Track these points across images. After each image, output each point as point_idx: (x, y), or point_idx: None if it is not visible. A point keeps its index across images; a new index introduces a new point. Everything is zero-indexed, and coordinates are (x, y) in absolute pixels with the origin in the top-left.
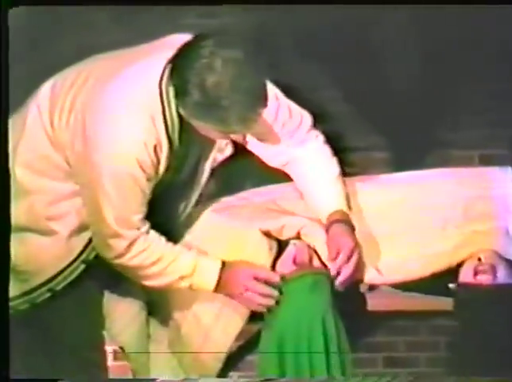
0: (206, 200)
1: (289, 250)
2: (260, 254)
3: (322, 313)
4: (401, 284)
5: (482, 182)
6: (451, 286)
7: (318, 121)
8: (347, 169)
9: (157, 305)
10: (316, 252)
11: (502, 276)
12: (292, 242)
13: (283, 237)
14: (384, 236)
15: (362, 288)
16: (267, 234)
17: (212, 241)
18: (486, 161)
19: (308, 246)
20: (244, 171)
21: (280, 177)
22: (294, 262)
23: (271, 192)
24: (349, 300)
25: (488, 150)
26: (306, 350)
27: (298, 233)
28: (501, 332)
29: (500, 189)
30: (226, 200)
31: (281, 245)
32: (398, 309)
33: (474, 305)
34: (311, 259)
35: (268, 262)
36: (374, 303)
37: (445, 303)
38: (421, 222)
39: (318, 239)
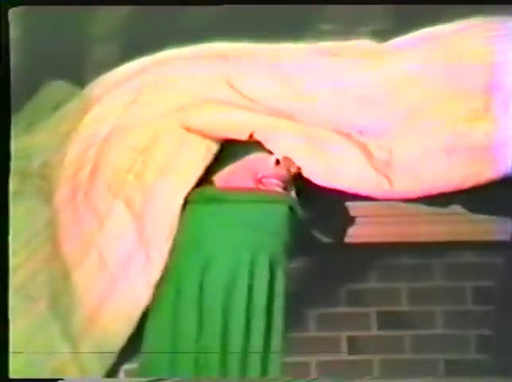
0: None
1: (247, 159)
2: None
3: (265, 260)
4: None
5: None
6: None
7: None
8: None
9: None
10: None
11: None
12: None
13: (224, 137)
14: (392, 126)
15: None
16: (198, 132)
17: None
18: None
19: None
20: None
21: None
22: (255, 178)
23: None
24: (336, 228)
25: None
26: (219, 326)
27: (250, 136)
28: None
29: None
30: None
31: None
32: (401, 241)
33: None
34: (290, 185)
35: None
36: (365, 231)
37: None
38: (450, 97)
39: (291, 143)
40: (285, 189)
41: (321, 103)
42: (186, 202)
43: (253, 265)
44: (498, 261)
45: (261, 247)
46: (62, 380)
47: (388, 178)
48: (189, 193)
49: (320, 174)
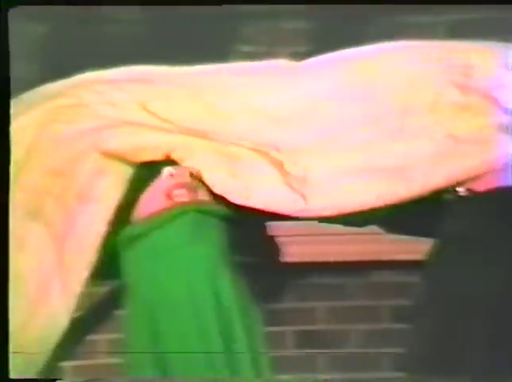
0: None
1: (159, 179)
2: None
3: (211, 269)
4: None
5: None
6: (459, 190)
7: None
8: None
9: None
10: (202, 180)
11: None
12: (165, 169)
13: (140, 159)
14: (309, 145)
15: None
16: (114, 156)
17: None
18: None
19: (191, 173)
20: None
21: None
22: (168, 195)
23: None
24: (254, 247)
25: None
26: (195, 331)
27: (167, 156)
28: None
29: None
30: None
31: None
32: (318, 260)
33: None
34: (194, 191)
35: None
36: (288, 251)
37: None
38: (365, 118)
39: (204, 161)
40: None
41: (238, 121)
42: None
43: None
44: (415, 280)
45: (200, 262)
46: (62, 380)
47: (303, 196)
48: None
49: (234, 192)
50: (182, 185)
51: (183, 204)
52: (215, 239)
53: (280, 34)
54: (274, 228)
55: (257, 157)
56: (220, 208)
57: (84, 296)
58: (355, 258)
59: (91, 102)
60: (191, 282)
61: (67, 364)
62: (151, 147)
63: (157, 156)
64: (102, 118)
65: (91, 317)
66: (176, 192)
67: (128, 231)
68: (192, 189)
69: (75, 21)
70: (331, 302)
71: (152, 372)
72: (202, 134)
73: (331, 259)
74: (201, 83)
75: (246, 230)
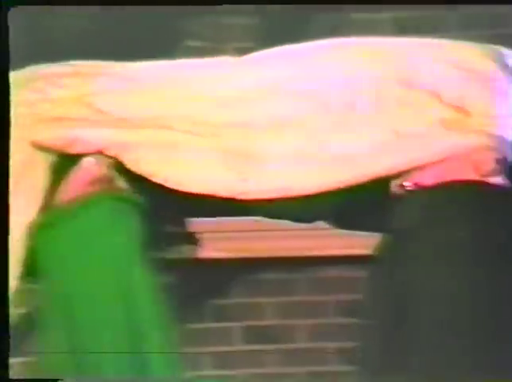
0: None
1: (78, 168)
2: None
3: (124, 258)
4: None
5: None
6: (406, 184)
7: None
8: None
9: None
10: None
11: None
12: (84, 158)
13: (72, 152)
14: (253, 128)
15: None
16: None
17: None
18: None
19: (109, 163)
20: None
21: None
22: (85, 184)
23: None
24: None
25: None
26: (105, 323)
27: (100, 152)
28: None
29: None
30: None
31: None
32: (266, 256)
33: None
34: (111, 180)
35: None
36: (222, 246)
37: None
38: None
39: (140, 153)
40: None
41: (179, 107)
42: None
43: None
44: (362, 275)
45: (113, 250)
46: (62, 380)
47: (244, 179)
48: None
49: (173, 179)
50: (99, 174)
51: (99, 192)
52: (130, 227)
53: (225, 30)
54: (223, 223)
55: (196, 142)
56: (137, 198)
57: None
58: (303, 253)
59: (30, 95)
60: (103, 270)
61: (14, 361)
62: (83, 141)
63: (89, 150)
64: (39, 111)
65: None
66: (93, 181)
67: (43, 218)
68: (109, 179)
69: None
70: (278, 297)
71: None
72: (140, 124)
73: (279, 254)
74: (145, 77)
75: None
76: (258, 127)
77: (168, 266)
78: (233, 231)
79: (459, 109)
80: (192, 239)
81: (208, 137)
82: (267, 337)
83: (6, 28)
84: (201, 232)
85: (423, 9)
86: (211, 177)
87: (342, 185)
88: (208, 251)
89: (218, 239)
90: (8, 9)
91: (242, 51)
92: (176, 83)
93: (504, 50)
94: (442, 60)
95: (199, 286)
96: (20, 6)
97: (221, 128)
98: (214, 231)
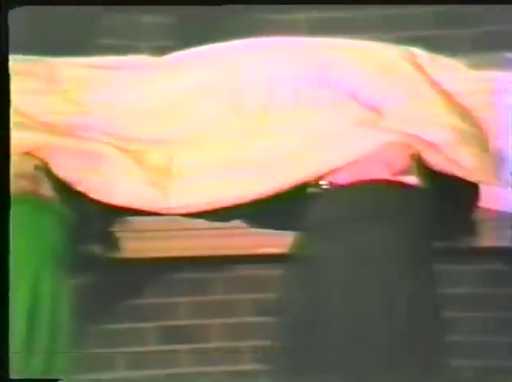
0: None
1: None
2: None
3: (32, 264)
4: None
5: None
6: (322, 183)
7: None
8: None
9: None
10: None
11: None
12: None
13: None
14: (174, 139)
15: None
16: None
17: None
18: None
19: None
20: None
21: None
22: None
23: None
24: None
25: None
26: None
27: (30, 153)
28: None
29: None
30: None
31: None
32: (180, 255)
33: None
34: (35, 183)
35: None
36: (145, 246)
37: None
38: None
39: (65, 160)
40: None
41: (98, 115)
42: None
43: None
44: (277, 273)
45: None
46: (62, 380)
47: (166, 193)
48: None
49: (96, 190)
50: (24, 175)
51: (20, 194)
52: (45, 235)
53: (141, 28)
54: (135, 223)
55: (119, 153)
56: (58, 206)
57: None
58: (218, 252)
59: None
60: (15, 273)
61: None
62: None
63: (21, 150)
64: None
65: None
66: (19, 182)
67: None
68: (33, 181)
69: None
70: (193, 296)
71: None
72: (64, 131)
73: (194, 253)
74: (62, 75)
75: (106, 225)
76: (178, 141)
77: (83, 266)
78: (147, 230)
79: (374, 109)
80: (107, 238)
81: (130, 150)
82: (182, 337)
83: (6, 28)
84: (116, 232)
85: (335, 9)
86: (135, 191)
87: (264, 196)
88: (123, 250)
89: (132, 239)
90: (8, 9)
91: (157, 50)
92: (97, 86)
93: (417, 51)
94: (358, 60)
95: (114, 287)
96: (20, 6)
97: (142, 142)
98: (127, 231)
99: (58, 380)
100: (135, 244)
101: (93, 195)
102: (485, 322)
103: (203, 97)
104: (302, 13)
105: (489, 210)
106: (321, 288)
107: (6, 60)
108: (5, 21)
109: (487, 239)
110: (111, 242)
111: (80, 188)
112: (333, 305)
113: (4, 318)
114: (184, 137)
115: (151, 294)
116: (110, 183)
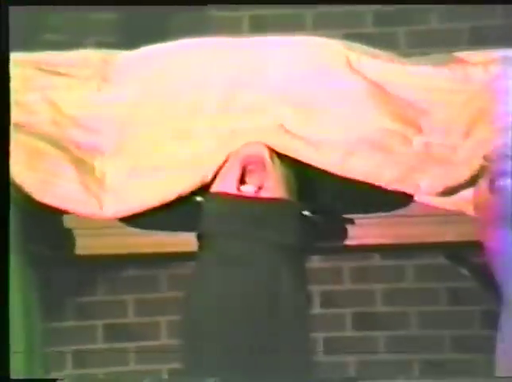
0: None
1: None
2: None
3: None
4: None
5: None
6: (198, 199)
7: None
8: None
9: None
10: None
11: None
12: None
13: None
14: (106, 145)
15: None
16: None
17: None
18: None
19: None
20: None
21: None
22: None
23: None
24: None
25: None
26: None
27: None
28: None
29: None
30: None
31: None
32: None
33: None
34: None
35: None
36: (89, 244)
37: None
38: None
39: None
40: None
41: (41, 115)
42: None
43: None
44: (186, 272)
45: None
46: (62, 380)
47: (98, 199)
48: None
49: (35, 189)
50: None
51: None
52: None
53: (87, 24)
54: (79, 220)
55: (58, 154)
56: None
57: None
58: (164, 249)
59: None
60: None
61: None
62: None
63: None
64: None
65: None
66: None
67: None
68: None
69: None
70: (141, 294)
71: None
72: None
73: (138, 250)
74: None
75: (48, 224)
76: (111, 147)
77: (32, 263)
78: (90, 228)
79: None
80: (54, 236)
81: (70, 150)
82: (129, 335)
83: (7, 26)
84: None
85: (281, 7)
86: (70, 194)
87: (183, 194)
88: (69, 248)
89: (80, 236)
90: (8, 7)
91: (103, 46)
92: (38, 85)
93: (358, 46)
94: (294, 57)
95: (60, 284)
96: (20, 6)
97: (81, 142)
98: (74, 228)
99: (58, 379)
100: (81, 242)
101: (33, 194)
102: (427, 316)
103: (139, 103)
104: (246, 11)
105: (428, 206)
106: (202, 288)
107: (6, 60)
108: (6, 19)
109: (429, 234)
110: (57, 240)
111: (23, 186)
112: (208, 306)
113: (4, 320)
114: (114, 145)
115: (98, 291)
116: (48, 184)
